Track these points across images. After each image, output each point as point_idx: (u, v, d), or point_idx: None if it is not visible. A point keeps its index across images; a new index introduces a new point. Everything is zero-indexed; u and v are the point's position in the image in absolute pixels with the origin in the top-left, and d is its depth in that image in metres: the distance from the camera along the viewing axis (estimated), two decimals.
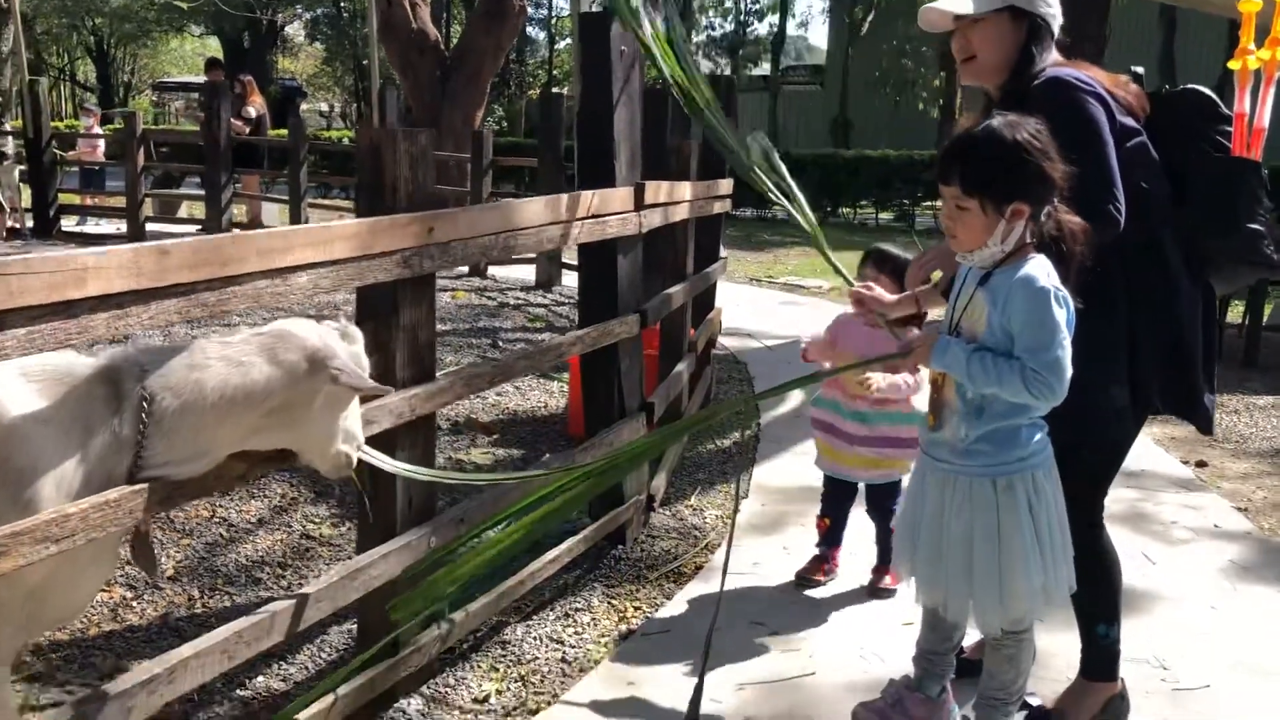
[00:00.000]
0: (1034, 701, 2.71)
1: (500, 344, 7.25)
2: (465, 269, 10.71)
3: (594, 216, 3.31)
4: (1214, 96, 2.63)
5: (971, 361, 2.19)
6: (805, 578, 3.50)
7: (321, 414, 2.08)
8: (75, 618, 2.82)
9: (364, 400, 2.27)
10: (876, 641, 3.12)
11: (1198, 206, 2.49)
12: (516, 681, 2.87)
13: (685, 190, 4.38)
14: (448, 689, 2.80)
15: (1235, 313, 8.40)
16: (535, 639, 3.10)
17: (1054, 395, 2.16)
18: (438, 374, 2.71)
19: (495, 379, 2.96)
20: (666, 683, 2.87)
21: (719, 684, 2.84)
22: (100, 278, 1.75)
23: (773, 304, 9.96)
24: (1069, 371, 2.16)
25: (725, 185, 5.48)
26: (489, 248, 2.80)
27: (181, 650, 2.06)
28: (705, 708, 2.67)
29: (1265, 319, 8.27)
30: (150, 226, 12.68)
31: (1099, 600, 2.65)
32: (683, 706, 2.68)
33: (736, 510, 3.30)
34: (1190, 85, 2.70)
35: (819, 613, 3.32)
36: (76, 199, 13.60)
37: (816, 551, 3.56)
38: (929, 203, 21.01)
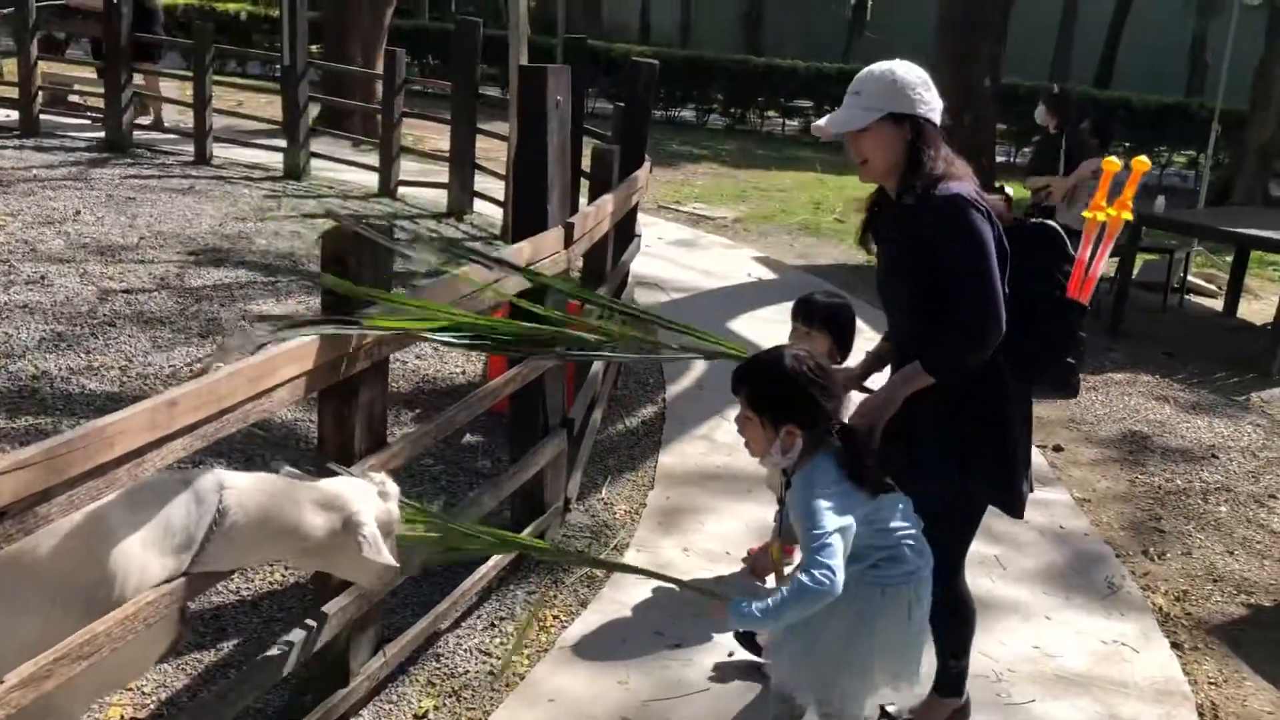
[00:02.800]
0: (892, 710, 3.24)
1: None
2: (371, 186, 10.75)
3: (531, 265, 3.60)
4: (1063, 236, 3.00)
5: (764, 617, 2.48)
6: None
7: (351, 561, 2.43)
8: (138, 679, 3.13)
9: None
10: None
11: (1035, 337, 2.87)
12: (450, 697, 3.28)
13: (608, 205, 4.67)
14: (391, 705, 3.21)
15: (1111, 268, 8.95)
16: (466, 651, 3.51)
17: (832, 574, 2.40)
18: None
19: (439, 434, 3.28)
20: (586, 697, 3.32)
21: (620, 698, 3.31)
22: (125, 440, 2.03)
23: (679, 244, 10.29)
24: (836, 553, 2.43)
25: (643, 176, 5.76)
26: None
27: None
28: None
29: (1134, 274, 8.91)
30: (44, 118, 12.31)
31: (955, 637, 3.15)
32: None
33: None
34: (1045, 221, 3.08)
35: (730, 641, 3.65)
36: None
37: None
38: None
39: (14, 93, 12.29)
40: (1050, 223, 3.02)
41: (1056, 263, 2.92)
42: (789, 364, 2.60)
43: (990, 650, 3.72)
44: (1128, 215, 2.96)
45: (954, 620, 3.11)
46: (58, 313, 6.28)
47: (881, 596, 2.65)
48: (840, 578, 2.43)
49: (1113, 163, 2.94)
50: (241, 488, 2.32)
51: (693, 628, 3.72)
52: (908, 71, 2.83)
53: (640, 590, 3.91)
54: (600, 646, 3.59)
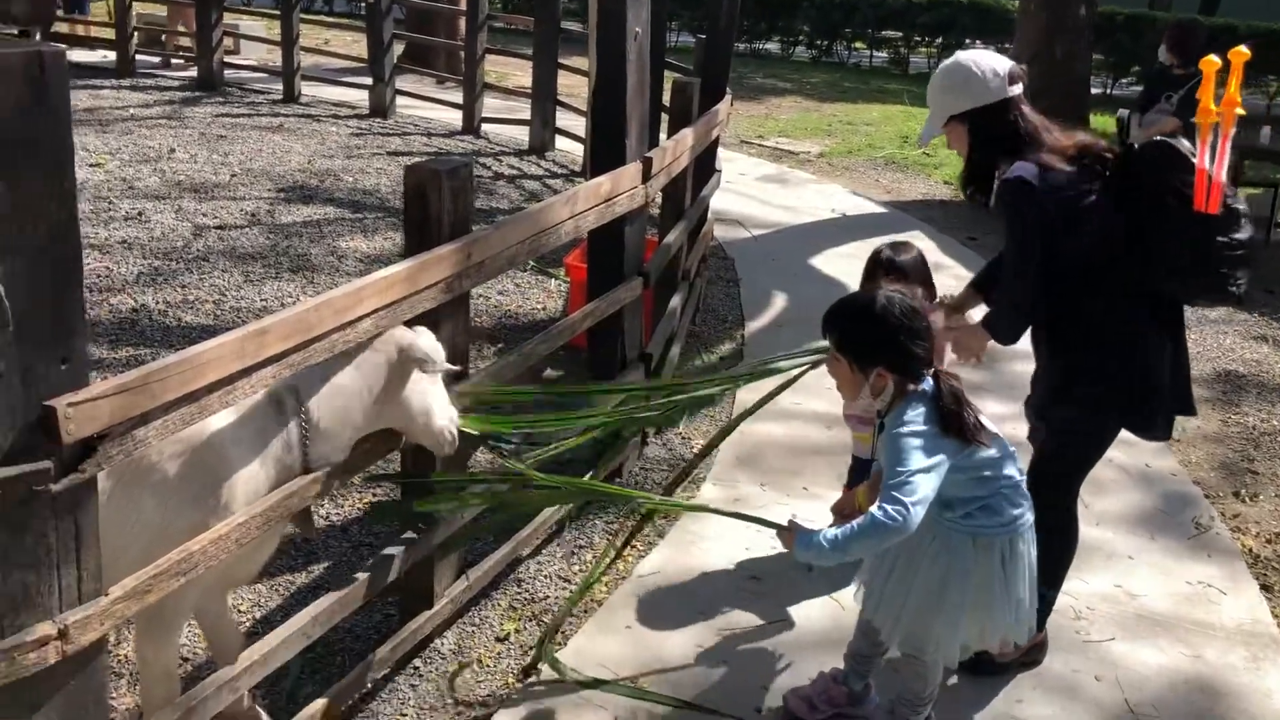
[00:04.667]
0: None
1: None
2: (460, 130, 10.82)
3: (608, 200, 3.62)
4: (1179, 148, 2.94)
5: (831, 548, 2.46)
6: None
7: (414, 394, 2.63)
8: (248, 583, 3.29)
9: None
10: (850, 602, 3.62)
11: (1176, 253, 2.85)
12: (530, 621, 3.38)
13: (687, 140, 4.64)
14: (473, 628, 3.31)
15: None
16: (546, 577, 3.60)
17: (905, 511, 2.39)
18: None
19: (520, 368, 3.33)
20: (661, 625, 3.38)
21: (696, 628, 3.36)
22: (217, 367, 2.11)
23: (762, 180, 10.18)
24: (919, 490, 2.41)
25: (723, 110, 5.70)
26: (517, 255, 3.14)
27: (270, 639, 2.52)
28: (686, 653, 3.21)
29: None
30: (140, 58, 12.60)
31: (1050, 566, 3.14)
32: (678, 650, 3.21)
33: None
34: (1156, 139, 3.01)
35: (807, 575, 3.68)
36: (65, 27, 13.39)
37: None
38: (925, 46, 20.84)
39: (111, 34, 12.59)
40: (1164, 138, 2.96)
41: (1180, 176, 2.86)
42: (880, 306, 2.58)
43: (1070, 588, 3.69)
44: (1240, 110, 2.83)
45: (1053, 548, 3.10)
46: (154, 248, 6.49)
47: (973, 546, 2.63)
48: (914, 516, 2.41)
49: (1211, 61, 2.80)
50: (306, 382, 2.49)
51: (770, 561, 3.76)
52: (952, 74, 3.02)
53: (717, 523, 3.95)
54: (677, 577, 3.65)
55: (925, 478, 2.46)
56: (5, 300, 1.65)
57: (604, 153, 3.87)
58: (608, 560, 3.67)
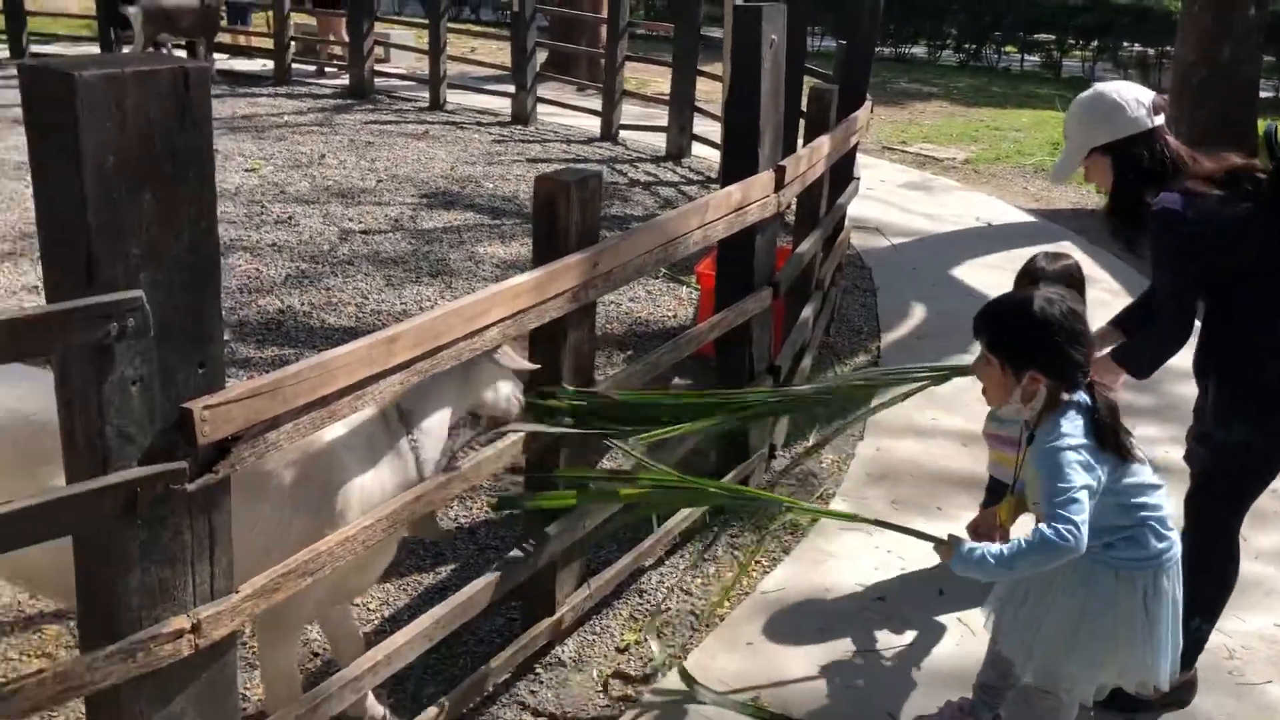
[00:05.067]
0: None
1: None
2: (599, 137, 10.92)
3: (738, 209, 3.58)
4: None
5: (996, 564, 2.35)
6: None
7: (490, 387, 2.75)
8: (364, 593, 3.36)
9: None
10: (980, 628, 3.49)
11: None
12: (651, 633, 3.36)
13: (823, 147, 4.56)
14: (594, 636, 3.31)
15: None
16: (668, 589, 3.58)
17: (1077, 531, 2.28)
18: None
19: (646, 377, 3.32)
20: (784, 643, 3.32)
21: (820, 648, 3.29)
22: (347, 373, 2.15)
23: (904, 186, 9.95)
24: (1083, 509, 2.30)
25: (862, 117, 5.59)
26: (644, 265, 3.13)
27: (395, 639, 2.57)
28: (809, 673, 3.14)
29: None
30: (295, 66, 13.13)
31: (1208, 597, 2.98)
32: (800, 670, 3.15)
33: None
34: None
35: (936, 598, 3.58)
36: (227, 38, 14.06)
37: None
38: (1080, 49, 20.11)
39: (270, 44, 13.15)
40: None
41: None
42: (1038, 306, 2.45)
43: (1225, 625, 3.46)
44: None
45: (1214, 577, 2.95)
46: (302, 251, 6.74)
47: (1115, 580, 2.50)
48: (1085, 536, 2.29)
49: None
50: (413, 395, 2.55)
51: (898, 582, 3.65)
52: (1094, 106, 2.94)
53: (844, 541, 3.87)
54: (802, 595, 3.58)
55: (1087, 495, 2.34)
56: (147, 306, 1.71)
57: (736, 161, 3.83)
58: (735, 575, 3.62)
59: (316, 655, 3.13)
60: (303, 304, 5.84)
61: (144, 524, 1.83)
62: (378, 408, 2.51)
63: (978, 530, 3.66)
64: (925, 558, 3.73)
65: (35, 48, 13.59)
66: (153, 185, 1.70)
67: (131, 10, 11.31)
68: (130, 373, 1.75)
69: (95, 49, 13.27)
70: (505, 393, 2.78)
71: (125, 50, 12.29)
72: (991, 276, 6.73)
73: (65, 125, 1.60)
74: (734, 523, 3.97)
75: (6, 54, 13.26)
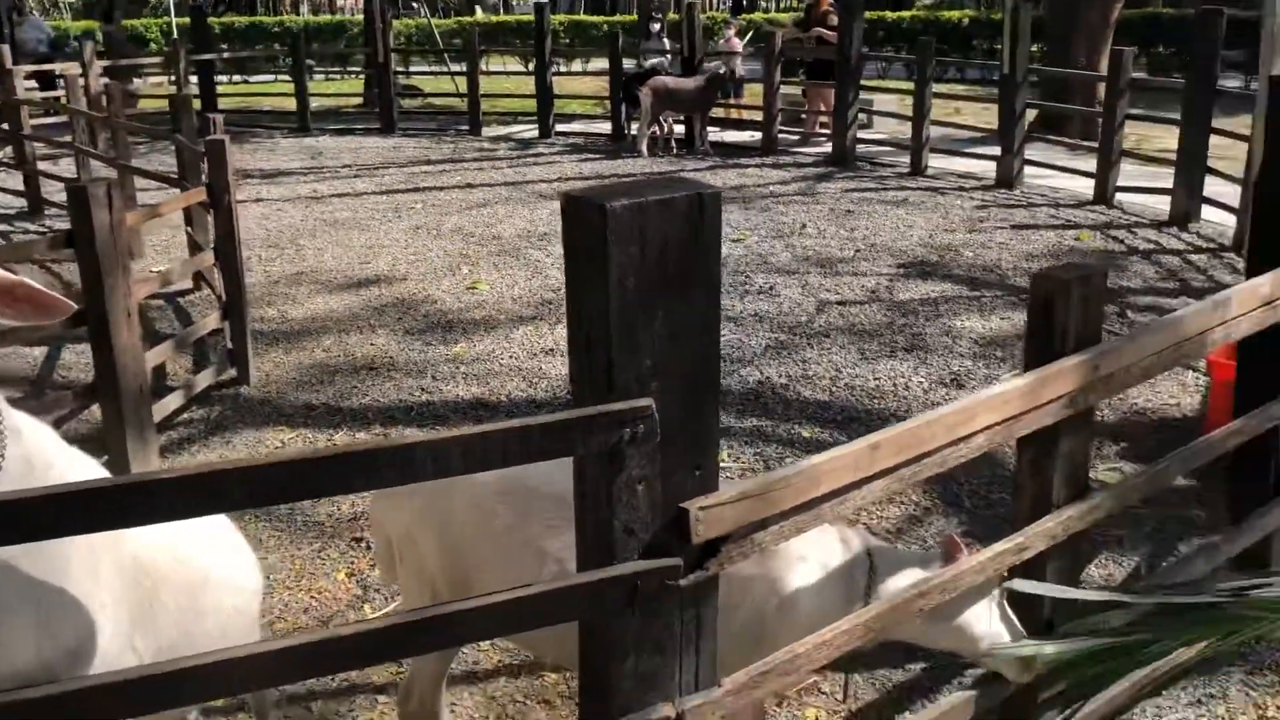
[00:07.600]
0: None
1: (1128, 313, 6.99)
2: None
3: (1268, 304, 3.17)
4: None
5: None
6: None
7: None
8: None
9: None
10: None
11: None
12: None
13: None
14: None
15: None
16: None
17: None
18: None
19: (1148, 491, 3.03)
20: None
21: None
22: (831, 478, 2.17)
23: None
24: None
25: None
26: (1151, 368, 2.86)
27: None
28: None
29: None
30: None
31: None
32: None
33: None
34: None
35: None
36: (720, 111, 14.99)
37: None
38: None
39: (759, 115, 13.84)
40: None
41: None
42: None
43: None
44: None
45: None
46: (781, 322, 6.96)
47: None
48: None
49: None
50: (875, 544, 2.74)
51: None
52: None
53: None
54: None
55: None
56: (655, 414, 1.84)
57: (1269, 242, 3.39)
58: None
59: None
60: (779, 375, 6.02)
61: (641, 614, 1.95)
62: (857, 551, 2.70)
63: None
64: None
65: (559, 126, 15.39)
66: (665, 303, 1.83)
67: (643, 91, 12.94)
68: (637, 473, 1.88)
69: (607, 126, 14.81)
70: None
71: (633, 127, 13.78)
72: None
73: (596, 250, 1.77)
74: (1248, 651, 3.48)
75: (536, 133, 15.13)
